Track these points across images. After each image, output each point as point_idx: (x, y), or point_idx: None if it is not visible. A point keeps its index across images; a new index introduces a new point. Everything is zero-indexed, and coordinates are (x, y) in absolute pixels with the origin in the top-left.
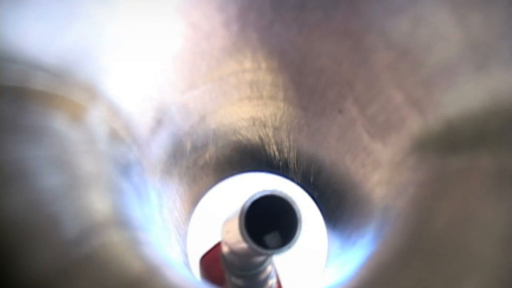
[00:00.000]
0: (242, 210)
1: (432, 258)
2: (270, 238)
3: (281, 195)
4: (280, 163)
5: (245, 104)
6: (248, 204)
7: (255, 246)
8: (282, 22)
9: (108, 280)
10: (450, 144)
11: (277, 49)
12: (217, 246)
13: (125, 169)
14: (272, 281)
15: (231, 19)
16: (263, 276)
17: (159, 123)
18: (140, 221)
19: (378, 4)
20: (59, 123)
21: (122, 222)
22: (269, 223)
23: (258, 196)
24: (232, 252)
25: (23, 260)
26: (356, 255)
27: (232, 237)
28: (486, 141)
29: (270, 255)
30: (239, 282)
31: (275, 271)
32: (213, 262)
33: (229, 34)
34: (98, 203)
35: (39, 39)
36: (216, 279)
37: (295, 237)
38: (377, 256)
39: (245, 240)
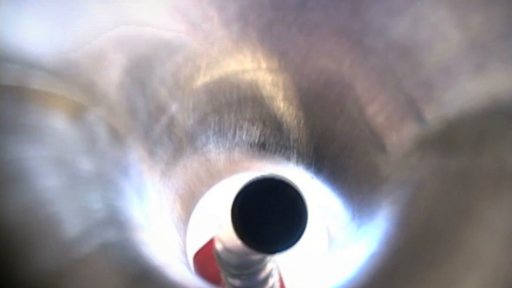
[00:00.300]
0: (234, 202)
1: (433, 258)
2: (269, 232)
3: (282, 179)
4: (280, 163)
5: (245, 104)
6: (242, 196)
7: (250, 246)
8: (282, 22)
9: (108, 280)
10: (450, 144)
11: (277, 49)
12: (212, 241)
13: (125, 169)
14: (273, 280)
15: (231, 19)
16: (263, 274)
17: (159, 123)
18: (140, 221)
19: (378, 4)
20: (59, 122)
21: (121, 222)
22: (268, 212)
23: (254, 183)
24: (227, 249)
25: (23, 260)
26: (357, 255)
27: (225, 232)
28: (486, 141)
29: (270, 254)
30: (236, 282)
31: (277, 267)
32: (207, 259)
33: (229, 34)
34: (98, 203)
35: (39, 38)
36: (211, 277)
37: (300, 230)
38: (378, 256)
39: (239, 237)
